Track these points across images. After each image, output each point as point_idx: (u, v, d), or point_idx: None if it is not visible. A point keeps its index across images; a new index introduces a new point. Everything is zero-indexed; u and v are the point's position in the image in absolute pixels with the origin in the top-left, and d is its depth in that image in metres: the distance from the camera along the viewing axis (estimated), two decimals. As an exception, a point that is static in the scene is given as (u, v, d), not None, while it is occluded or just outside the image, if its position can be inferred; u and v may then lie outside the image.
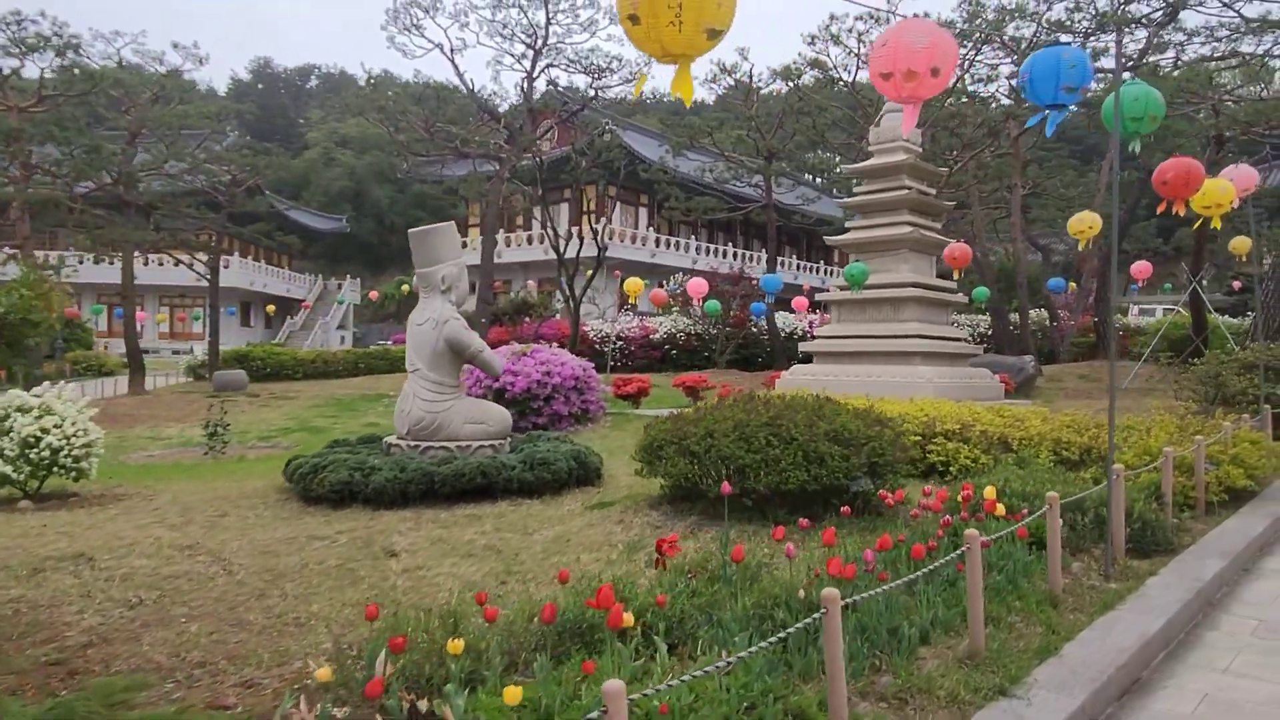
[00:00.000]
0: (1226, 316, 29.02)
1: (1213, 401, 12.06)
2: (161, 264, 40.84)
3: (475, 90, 30.05)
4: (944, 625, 4.73)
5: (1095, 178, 27.89)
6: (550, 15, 25.94)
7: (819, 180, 46.09)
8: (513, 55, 37.12)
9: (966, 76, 23.76)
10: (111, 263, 27.47)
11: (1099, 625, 5.04)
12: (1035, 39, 22.19)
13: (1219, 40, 20.50)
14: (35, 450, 8.45)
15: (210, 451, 12.75)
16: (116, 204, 24.23)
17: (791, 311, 31.85)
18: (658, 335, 29.45)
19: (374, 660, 3.79)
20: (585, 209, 35.86)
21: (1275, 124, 19.21)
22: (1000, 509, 5.81)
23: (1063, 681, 4.24)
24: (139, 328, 38.09)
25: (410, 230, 9.53)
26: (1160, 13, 21.63)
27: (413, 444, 9.01)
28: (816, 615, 3.58)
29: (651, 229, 43.40)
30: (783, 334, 28.43)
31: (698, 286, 27.40)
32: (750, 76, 27.40)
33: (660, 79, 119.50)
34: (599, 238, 28.15)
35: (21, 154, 19.86)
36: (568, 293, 27.41)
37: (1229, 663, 4.96)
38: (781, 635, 3.66)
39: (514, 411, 13.27)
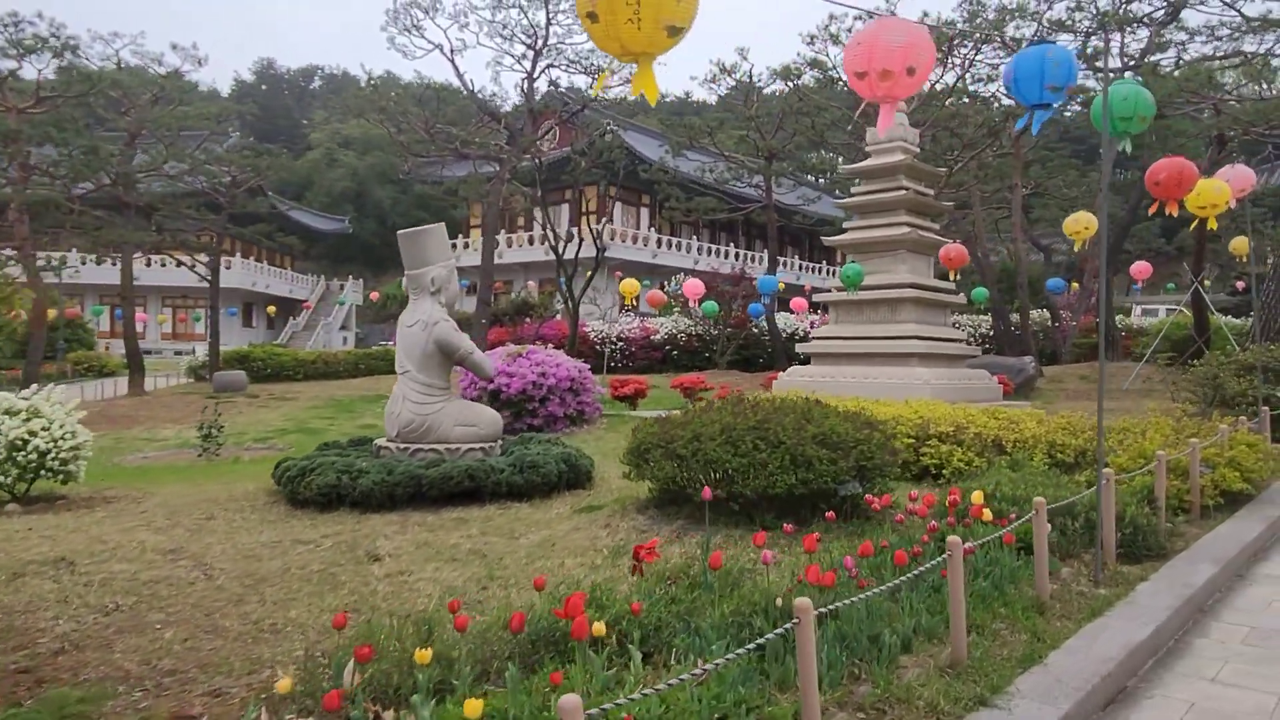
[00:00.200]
0: (1230, 317, 28.87)
1: (1211, 403, 11.96)
2: (164, 265, 40.92)
3: (475, 91, 30.05)
4: (927, 633, 4.66)
5: (1097, 177, 27.76)
6: (550, 15, 25.88)
7: (821, 180, 46.02)
8: (513, 56, 37.21)
9: (967, 76, 23.70)
10: (114, 264, 27.50)
11: (1086, 633, 4.97)
12: (1036, 38, 22.07)
13: (1220, 39, 20.39)
14: (23, 453, 8.42)
15: (204, 453, 12.71)
16: (116, 205, 24.23)
17: (794, 312, 31.78)
18: (659, 336, 29.39)
19: (342, 670, 3.74)
20: (585, 210, 35.80)
21: (1277, 124, 19.09)
22: (987, 514, 5.73)
23: (1046, 691, 4.18)
24: (141, 329, 38.22)
25: (399, 232, 9.49)
26: (1162, 11, 21.52)
27: (402, 446, 8.97)
28: (788, 625, 3.52)
29: (653, 229, 43.36)
30: (784, 335, 28.35)
31: (693, 288, 27.33)
32: (750, 77, 27.35)
33: (657, 80, 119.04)
34: (598, 238, 28.09)
35: (19, 155, 19.84)
36: (566, 294, 27.37)
37: (1217, 671, 4.88)
38: (756, 644, 3.61)
39: (509, 413, 13.26)
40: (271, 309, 51.34)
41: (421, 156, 30.08)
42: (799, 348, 18.84)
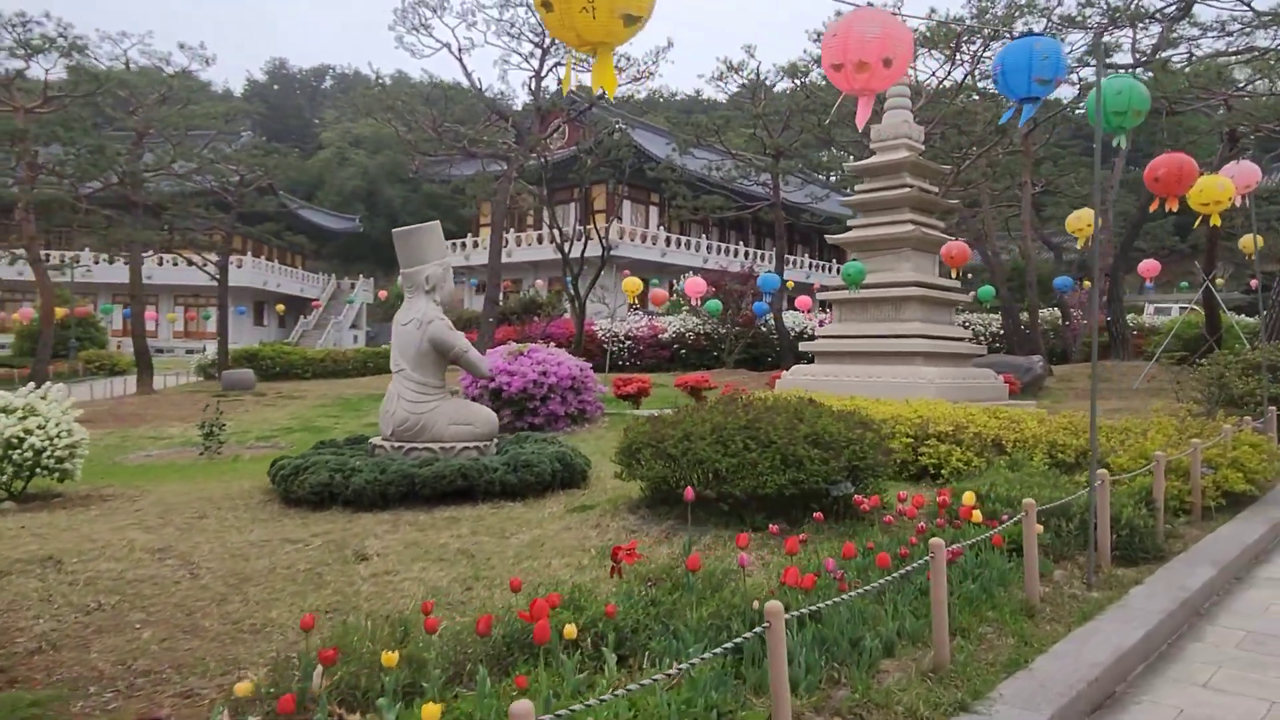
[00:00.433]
0: (1243, 315, 28.53)
1: (1217, 403, 11.79)
2: (176, 264, 41.11)
3: (483, 90, 30.02)
4: (911, 636, 4.59)
5: (1108, 174, 27.49)
6: (557, 14, 25.78)
7: (831, 178, 45.80)
8: (520, 54, 37.10)
9: (976, 72, 23.48)
10: (125, 263, 27.67)
11: (1075, 637, 4.88)
12: (1047, 35, 21.87)
13: (1231, 34, 20.12)
14: (18, 451, 8.44)
15: (205, 452, 12.74)
16: (124, 204, 24.35)
17: (801, 310, 31.63)
18: (666, 335, 29.32)
19: (311, 672, 3.71)
20: (593, 208, 35.77)
21: (1290, 120, 18.84)
22: (978, 515, 5.65)
23: (1029, 696, 4.10)
24: (153, 327, 38.44)
25: (394, 230, 9.46)
26: (1174, 7, 21.25)
27: (397, 445, 8.95)
28: (760, 629, 3.46)
29: (662, 228, 43.26)
30: (792, 333, 28.23)
31: (695, 286, 27.23)
32: (758, 74, 27.21)
33: (666, 78, 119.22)
34: (603, 237, 28.02)
35: (27, 154, 19.92)
36: (572, 292, 27.33)
37: (1209, 677, 4.79)
38: (727, 646, 3.54)
39: (510, 411, 13.24)
40: (281, 308, 51.55)
41: (429, 155, 30.11)
42: (803, 346, 18.73)
